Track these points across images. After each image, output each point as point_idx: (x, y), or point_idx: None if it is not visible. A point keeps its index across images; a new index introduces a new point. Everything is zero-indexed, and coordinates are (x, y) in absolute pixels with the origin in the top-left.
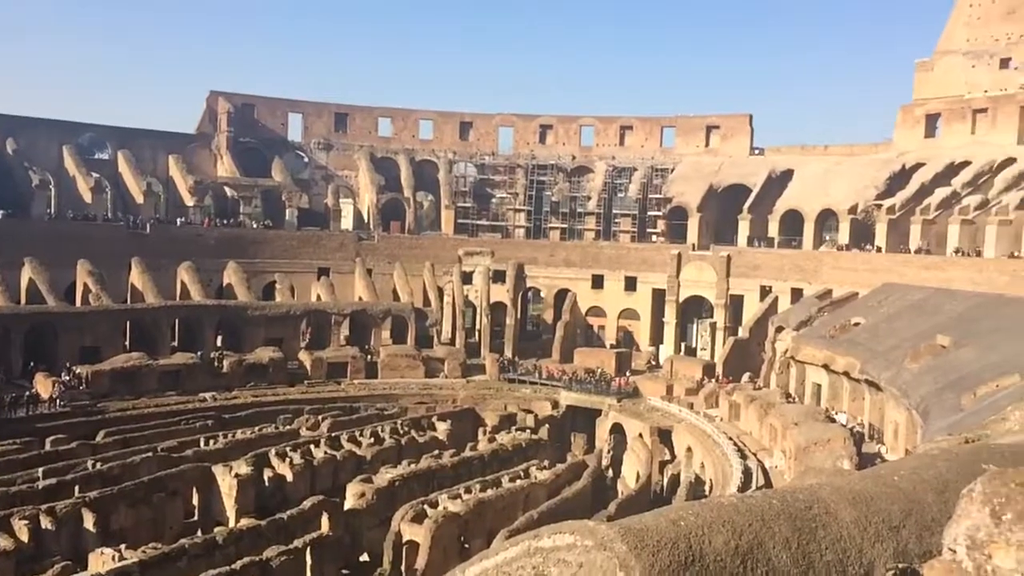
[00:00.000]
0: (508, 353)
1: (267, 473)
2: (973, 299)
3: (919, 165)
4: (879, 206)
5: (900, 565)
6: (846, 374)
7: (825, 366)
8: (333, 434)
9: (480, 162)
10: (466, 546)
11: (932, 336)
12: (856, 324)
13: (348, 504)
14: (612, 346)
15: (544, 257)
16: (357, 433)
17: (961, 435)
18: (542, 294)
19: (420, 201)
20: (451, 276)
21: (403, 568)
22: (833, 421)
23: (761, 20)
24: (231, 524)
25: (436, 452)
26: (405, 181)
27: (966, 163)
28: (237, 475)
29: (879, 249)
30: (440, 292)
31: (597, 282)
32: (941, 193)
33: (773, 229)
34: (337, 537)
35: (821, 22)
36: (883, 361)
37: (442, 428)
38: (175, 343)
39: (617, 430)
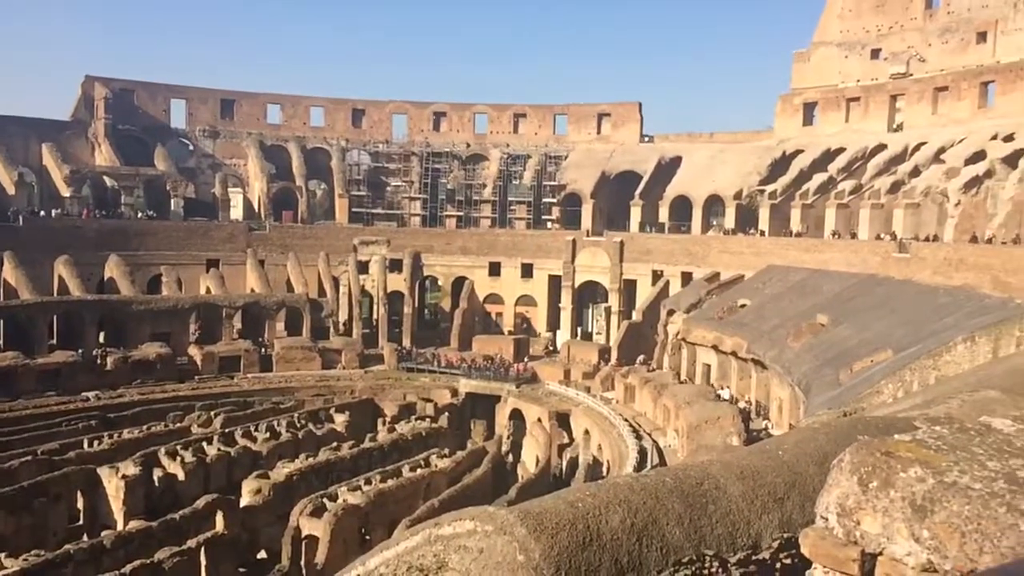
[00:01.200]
0: (406, 342)
1: (157, 473)
2: (849, 279)
3: (798, 152)
4: (762, 191)
5: (785, 535)
6: (734, 354)
7: (714, 347)
8: (226, 430)
9: (374, 150)
10: (367, 538)
11: (812, 315)
12: (742, 305)
13: (244, 501)
14: (510, 332)
15: (441, 245)
16: (252, 428)
17: (840, 409)
18: (439, 282)
19: (313, 190)
20: (347, 266)
21: (303, 564)
22: (721, 399)
23: (647, 10)
24: (119, 527)
25: (335, 444)
26: (296, 169)
27: (841, 150)
28: (124, 476)
29: (763, 233)
30: (335, 282)
31: (494, 269)
32: (819, 179)
33: (664, 215)
34: (233, 535)
35: (706, 13)
36: (768, 340)
37: (340, 420)
38: (53, 341)
39: (516, 415)
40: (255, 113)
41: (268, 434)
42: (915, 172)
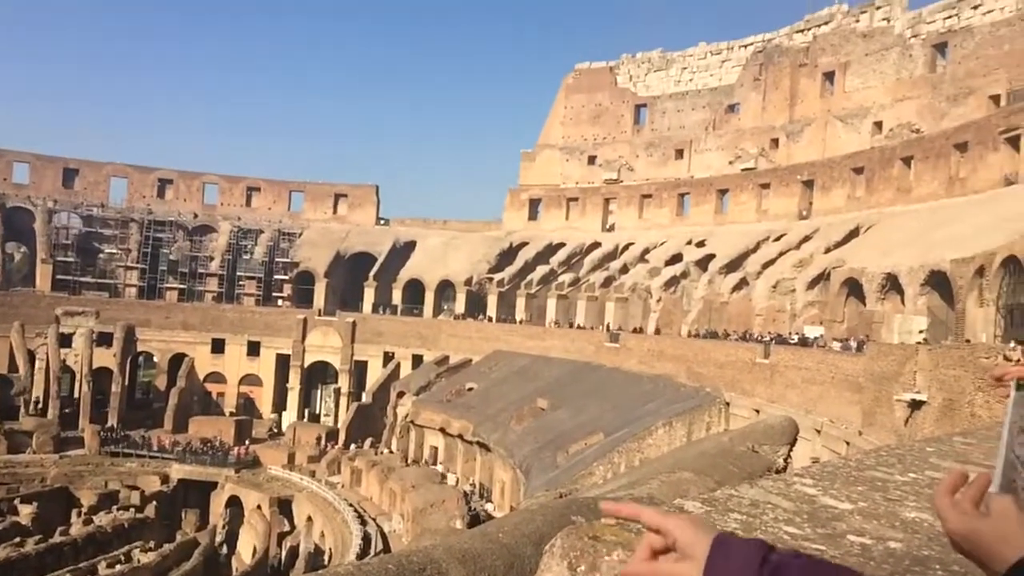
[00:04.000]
0: (113, 423)
1: None
2: (567, 366)
3: (524, 244)
4: (491, 279)
5: None
6: (461, 436)
7: (442, 429)
8: None
9: (87, 213)
10: None
11: (534, 399)
12: (470, 389)
13: None
14: (232, 414)
15: (159, 319)
16: None
17: (556, 490)
18: (155, 359)
19: (10, 253)
20: (46, 338)
21: None
22: (446, 481)
23: (389, 98)
24: None
25: (17, 539)
26: None
27: (561, 244)
28: None
29: (491, 319)
30: (31, 356)
31: (217, 346)
32: (542, 270)
33: (397, 297)
34: None
35: (445, 104)
36: (492, 423)
37: (26, 511)
38: None
39: (234, 503)
40: None
41: None
42: (624, 269)
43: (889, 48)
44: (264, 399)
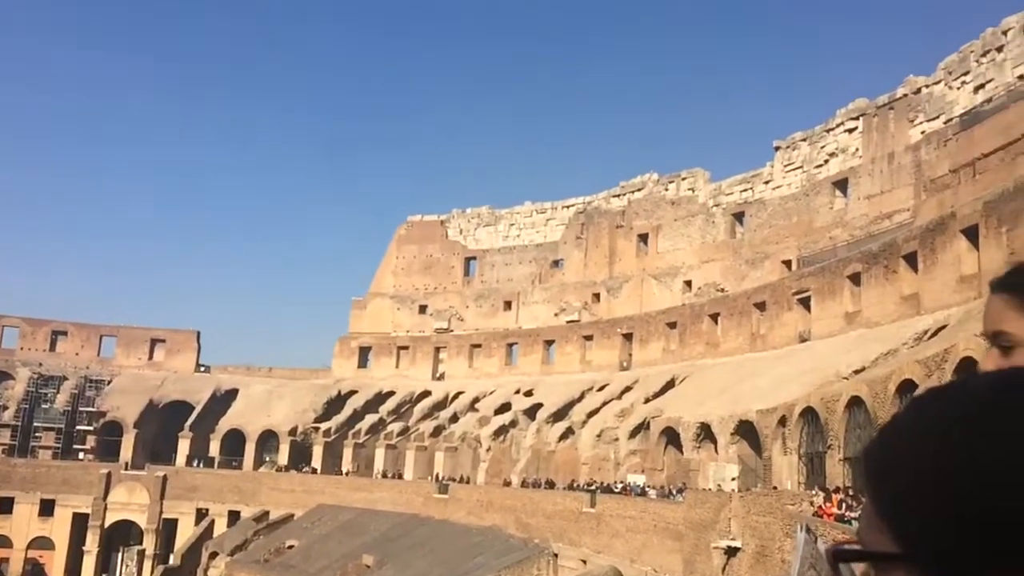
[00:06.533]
0: None
1: None
2: (395, 518)
3: (353, 392)
4: (317, 429)
5: None
6: None
7: None
8: None
9: None
10: None
11: (359, 556)
12: (290, 547)
13: None
14: None
15: None
16: None
17: None
18: None
19: None
20: None
21: None
22: None
23: (210, 243)
24: None
25: None
26: None
27: (391, 393)
28: None
29: (315, 470)
30: None
31: (4, 506)
32: (371, 419)
33: (215, 448)
34: None
35: (277, 250)
36: None
37: None
38: None
39: None
40: None
41: None
42: (454, 418)
43: (695, 215)
44: (56, 565)
